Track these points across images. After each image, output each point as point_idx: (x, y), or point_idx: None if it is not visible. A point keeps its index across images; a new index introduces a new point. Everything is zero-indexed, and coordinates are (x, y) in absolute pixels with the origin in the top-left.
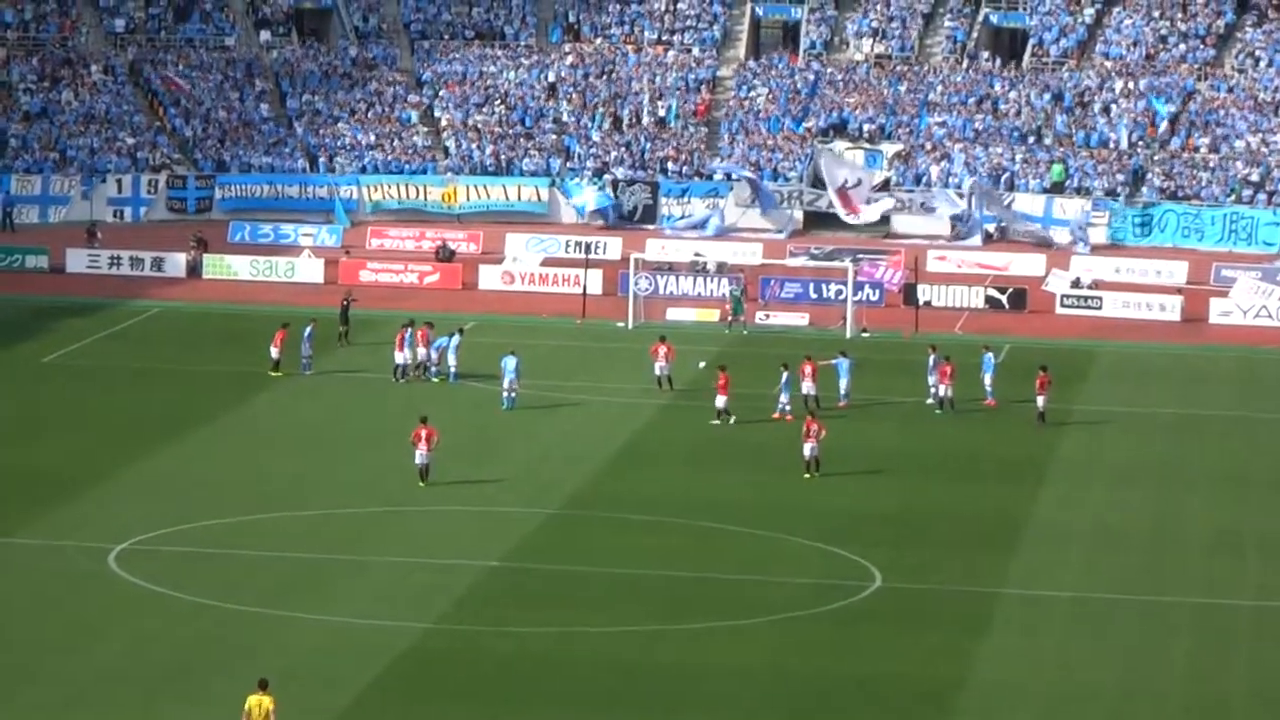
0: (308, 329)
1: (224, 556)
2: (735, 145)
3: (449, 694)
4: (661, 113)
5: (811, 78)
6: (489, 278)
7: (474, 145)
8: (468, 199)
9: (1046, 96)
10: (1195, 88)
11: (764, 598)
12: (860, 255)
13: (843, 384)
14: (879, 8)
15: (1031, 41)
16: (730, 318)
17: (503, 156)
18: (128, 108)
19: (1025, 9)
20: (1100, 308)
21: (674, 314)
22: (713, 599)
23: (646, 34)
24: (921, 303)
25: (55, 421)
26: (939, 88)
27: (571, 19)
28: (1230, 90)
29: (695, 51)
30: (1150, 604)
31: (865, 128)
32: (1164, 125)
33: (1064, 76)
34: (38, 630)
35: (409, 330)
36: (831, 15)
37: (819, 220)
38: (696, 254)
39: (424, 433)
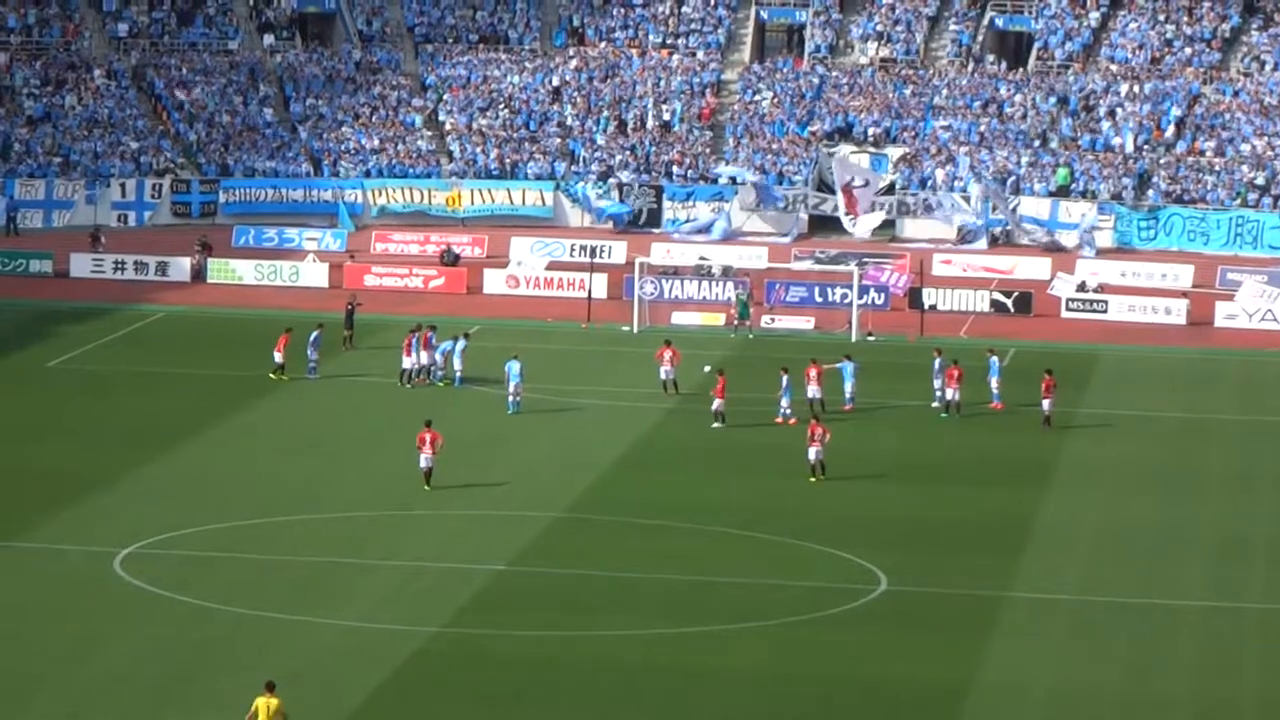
0: (314, 334)
1: (229, 560)
2: (740, 149)
3: (456, 697)
4: (666, 116)
5: (816, 81)
6: (494, 282)
7: (478, 149)
8: (472, 203)
9: (1052, 100)
10: (1200, 91)
11: (769, 601)
12: (865, 259)
13: (848, 387)
14: (884, 11)
15: (1037, 45)
16: (736, 321)
17: (507, 160)
18: (131, 112)
19: (1030, 12)
20: (1106, 311)
21: (679, 318)
22: (718, 603)
23: (651, 37)
24: (927, 306)
25: (60, 426)
26: (944, 91)
27: (576, 23)
28: (1236, 94)
29: (700, 55)
30: (1156, 607)
31: (870, 131)
32: (1169, 129)
33: (1069, 80)
34: (43, 635)
35: (416, 335)
36: (836, 19)
37: (824, 224)
38: (702, 258)
39: (428, 436)
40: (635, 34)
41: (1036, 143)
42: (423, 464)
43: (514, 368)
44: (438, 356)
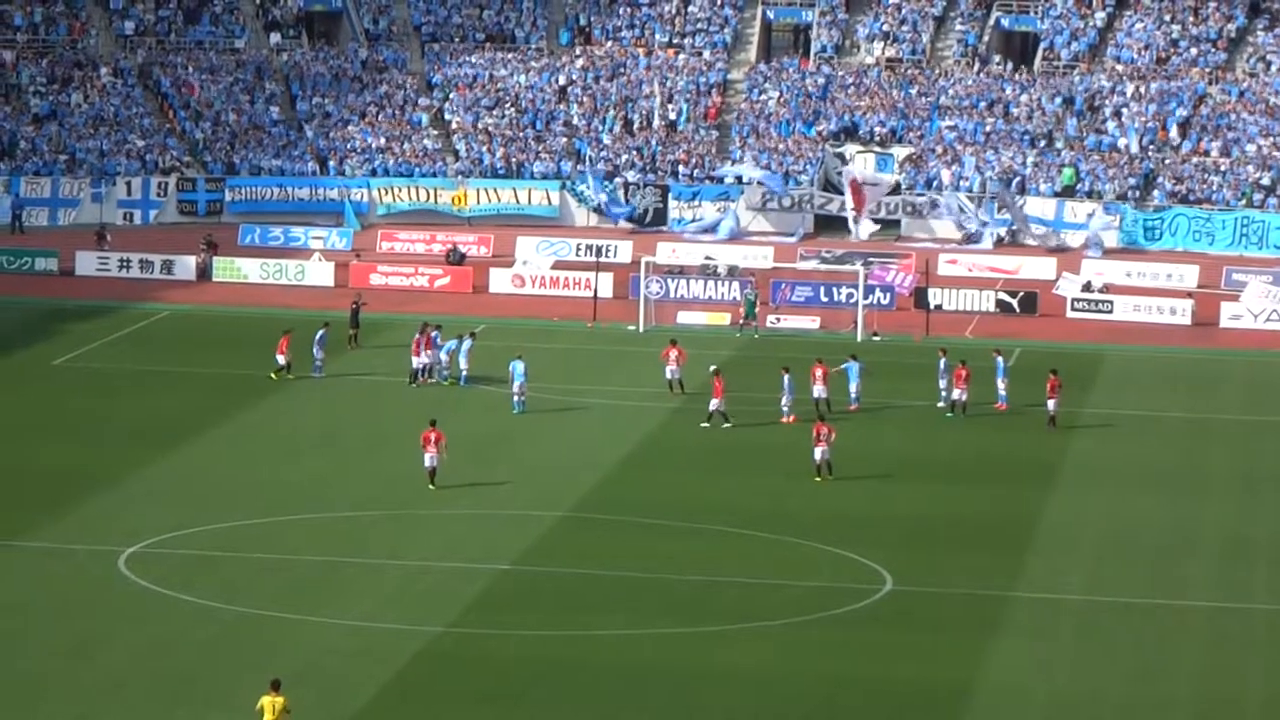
0: (320, 332)
1: (234, 559)
2: (746, 149)
3: (461, 696)
4: (672, 116)
5: (822, 81)
6: (499, 281)
7: (484, 148)
8: (478, 202)
9: (1057, 100)
10: (1206, 91)
11: (775, 601)
12: (871, 259)
13: (853, 387)
14: (890, 11)
15: (1042, 45)
16: (742, 321)
17: (513, 159)
18: (137, 110)
19: (1036, 12)
20: (1111, 311)
21: (685, 317)
22: (723, 602)
23: (657, 37)
24: (932, 306)
25: (65, 424)
26: (950, 91)
27: (582, 22)
28: (1241, 94)
29: (706, 55)
30: (1161, 608)
31: (876, 131)
32: (1175, 129)
33: (1075, 80)
34: (49, 635)
35: (423, 334)
36: (842, 18)
37: (830, 224)
38: (708, 257)
39: (433, 435)
40: (641, 33)
41: (1042, 143)
42: (427, 463)
43: (518, 367)
44: (442, 356)
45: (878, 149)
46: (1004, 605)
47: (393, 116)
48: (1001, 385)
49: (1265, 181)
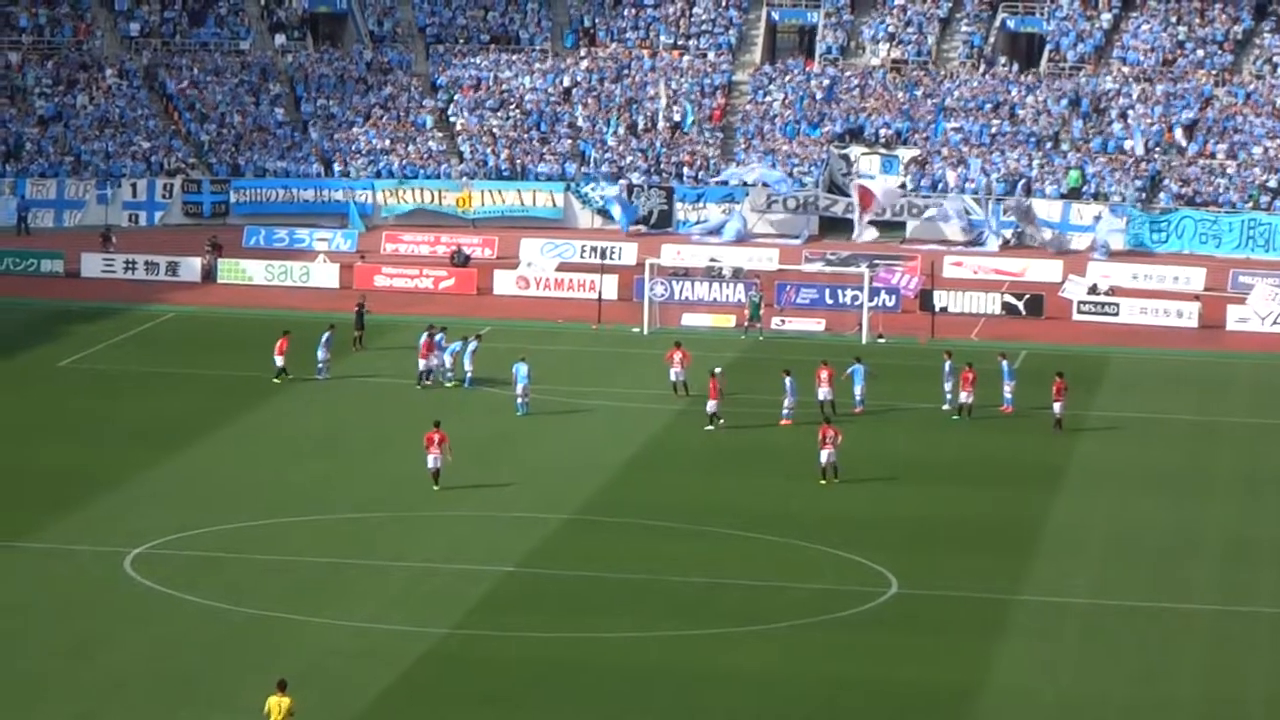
0: (325, 334)
1: (239, 561)
2: (751, 150)
3: (465, 698)
4: (677, 117)
5: (827, 83)
6: (504, 283)
7: (489, 150)
8: (483, 204)
9: (1063, 102)
10: (1212, 93)
11: (780, 603)
12: (876, 261)
13: (858, 390)
14: (895, 12)
15: (1048, 47)
16: (747, 323)
17: (518, 161)
18: (143, 112)
19: (1042, 14)
20: (1117, 314)
21: (689, 319)
22: (728, 605)
23: (662, 39)
24: (938, 309)
25: (70, 425)
26: (955, 93)
27: (587, 24)
28: (1248, 96)
29: (711, 56)
30: (1167, 611)
31: (881, 133)
32: (1181, 131)
33: (1081, 82)
34: (53, 635)
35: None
36: (848, 20)
37: (835, 226)
38: (712, 259)
39: (436, 437)
40: (646, 35)
41: (1048, 145)
42: (431, 464)
43: (521, 369)
44: (446, 358)
45: (883, 151)
46: (1009, 608)
47: (397, 118)
48: (1007, 388)
49: (1272, 184)
